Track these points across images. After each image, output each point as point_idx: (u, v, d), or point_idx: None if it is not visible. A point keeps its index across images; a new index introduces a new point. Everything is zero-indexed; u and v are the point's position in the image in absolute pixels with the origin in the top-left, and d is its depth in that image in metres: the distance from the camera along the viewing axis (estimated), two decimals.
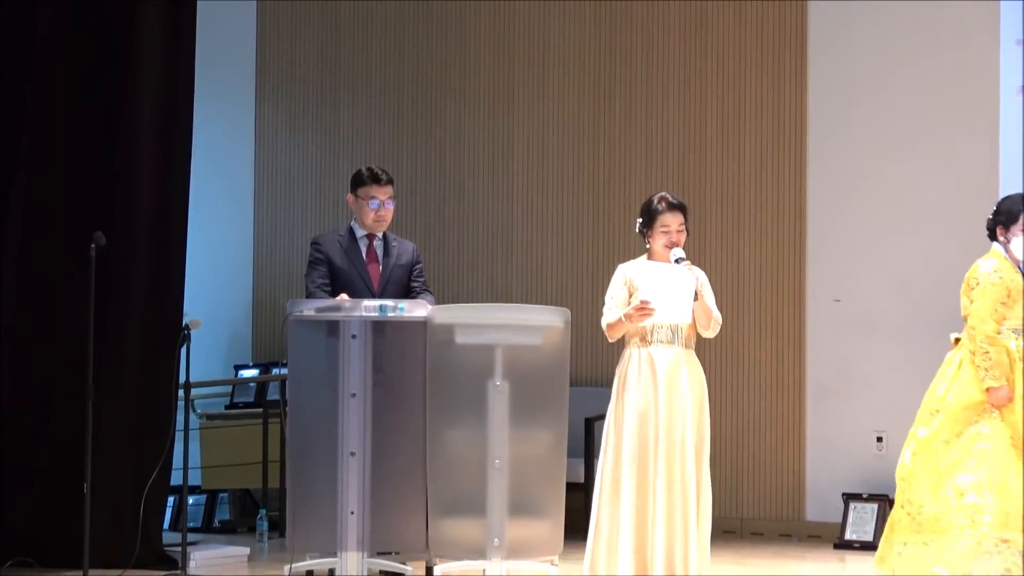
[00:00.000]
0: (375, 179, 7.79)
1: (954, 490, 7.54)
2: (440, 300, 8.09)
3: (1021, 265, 7.73)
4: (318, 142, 11.61)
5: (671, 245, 7.34)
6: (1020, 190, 9.11)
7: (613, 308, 7.40)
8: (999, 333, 7.54)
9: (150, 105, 8.51)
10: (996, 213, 7.70)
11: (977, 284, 7.58)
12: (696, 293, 7.23)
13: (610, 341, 7.53)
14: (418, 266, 7.93)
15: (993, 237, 7.70)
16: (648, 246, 7.44)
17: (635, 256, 7.70)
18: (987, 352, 7.47)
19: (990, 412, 7.50)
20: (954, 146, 9.70)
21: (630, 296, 7.38)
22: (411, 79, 11.32)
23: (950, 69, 9.76)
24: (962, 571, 7.52)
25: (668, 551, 7.15)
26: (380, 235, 7.86)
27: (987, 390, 7.45)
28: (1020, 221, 7.58)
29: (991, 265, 7.60)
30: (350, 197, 7.87)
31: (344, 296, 7.49)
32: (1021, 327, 7.57)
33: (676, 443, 7.22)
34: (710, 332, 7.39)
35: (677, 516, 7.18)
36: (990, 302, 7.53)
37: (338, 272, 7.75)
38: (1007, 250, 7.63)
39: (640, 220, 7.46)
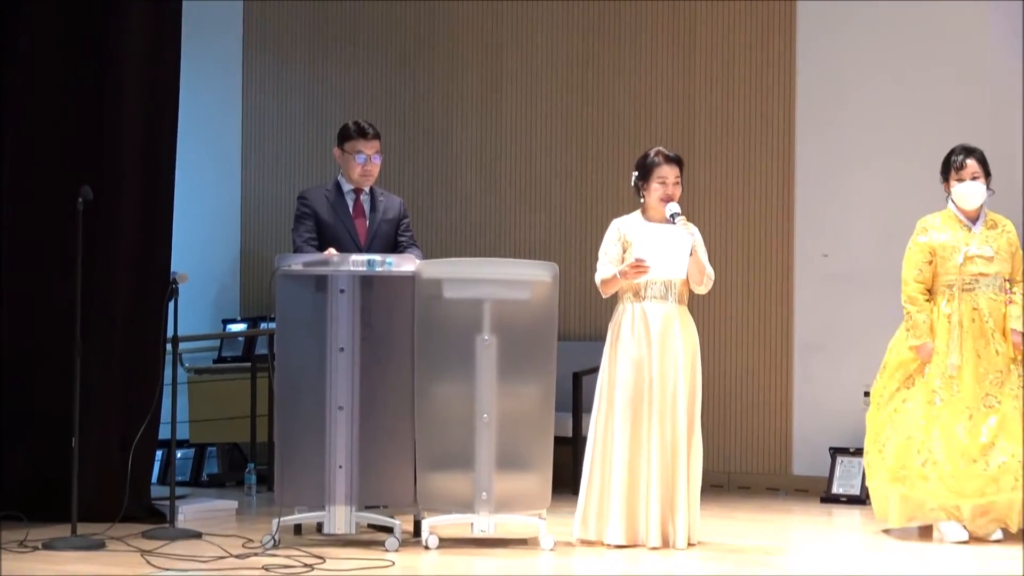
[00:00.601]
0: (362, 133, 7.76)
1: (881, 443, 7.72)
2: (428, 255, 8.09)
3: (981, 214, 7.80)
4: (305, 95, 11.56)
5: (667, 198, 7.36)
6: (1017, 138, 9.17)
7: (607, 264, 7.41)
8: (931, 291, 7.74)
9: (137, 59, 8.47)
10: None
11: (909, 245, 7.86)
12: (692, 249, 7.26)
13: (604, 297, 7.54)
14: (405, 220, 7.91)
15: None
16: (643, 200, 7.45)
17: (624, 210, 7.70)
18: (908, 312, 7.74)
19: (921, 369, 7.70)
20: (945, 100, 9.68)
21: (624, 252, 7.40)
22: (398, 31, 11.28)
23: (940, 18, 9.73)
24: (881, 519, 7.82)
25: (661, 511, 7.18)
26: (367, 189, 7.84)
27: (912, 348, 7.71)
28: (951, 170, 7.77)
29: (921, 225, 7.82)
30: (336, 151, 7.85)
31: (332, 251, 7.47)
32: (956, 282, 7.70)
33: (668, 397, 7.25)
34: (702, 288, 7.41)
35: (668, 473, 7.21)
36: (912, 264, 7.77)
37: (325, 226, 7.73)
38: (955, 205, 7.80)
39: (636, 174, 7.47)
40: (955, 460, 7.46)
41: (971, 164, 7.72)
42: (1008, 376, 7.59)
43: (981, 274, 7.67)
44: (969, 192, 7.71)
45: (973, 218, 7.76)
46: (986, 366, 7.59)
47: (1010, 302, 7.67)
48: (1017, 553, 5.89)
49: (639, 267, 7.23)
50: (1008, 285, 7.70)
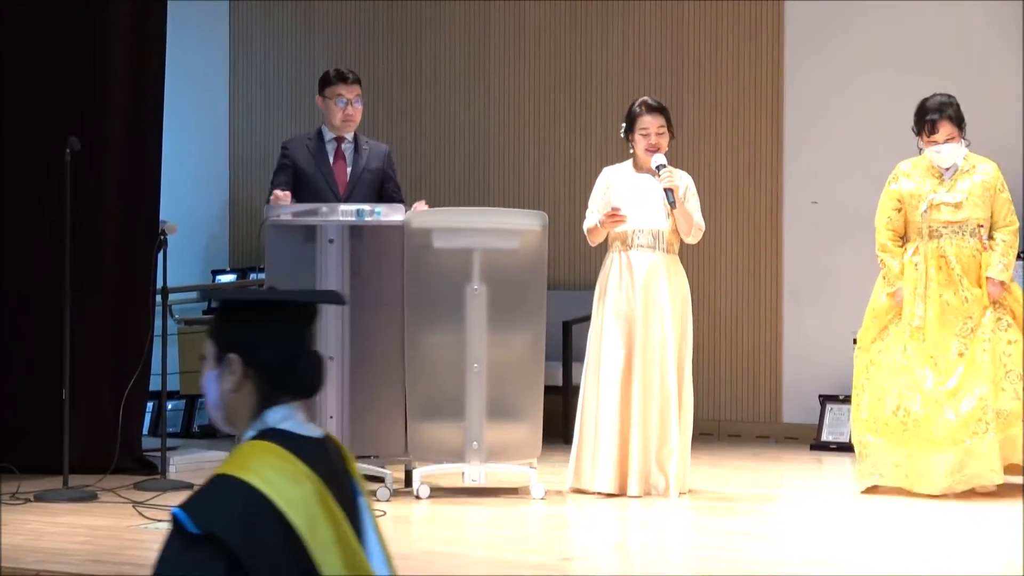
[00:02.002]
0: (341, 78, 7.78)
1: (859, 397, 7.59)
2: None
3: (957, 162, 7.47)
4: (293, 42, 11.51)
5: (652, 148, 7.37)
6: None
7: (594, 212, 7.43)
8: (905, 237, 7.50)
9: (124, 9, 8.42)
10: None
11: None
12: (675, 200, 7.25)
13: (591, 245, 7.55)
14: (391, 171, 7.90)
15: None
16: (632, 151, 7.45)
17: (614, 159, 7.70)
18: (881, 260, 7.56)
19: (895, 320, 7.52)
20: (936, 43, 9.65)
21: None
22: None
23: None
24: (855, 474, 7.64)
25: (643, 462, 7.21)
26: (350, 137, 7.83)
27: (889, 296, 7.54)
28: (923, 131, 7.42)
29: (894, 172, 7.60)
30: (319, 99, 7.86)
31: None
32: (924, 231, 7.42)
33: (655, 347, 7.27)
34: (692, 238, 7.42)
35: (656, 423, 7.23)
36: (883, 211, 7.57)
37: (303, 175, 7.74)
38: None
39: (624, 125, 7.47)
40: (926, 405, 7.25)
41: (944, 127, 7.36)
42: (980, 323, 7.34)
43: (948, 222, 7.38)
44: (945, 155, 7.40)
45: (947, 166, 7.49)
46: (954, 313, 7.34)
47: (986, 248, 7.42)
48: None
49: (615, 216, 7.26)
50: (982, 231, 7.41)
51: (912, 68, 9.70)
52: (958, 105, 7.45)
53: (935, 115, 7.39)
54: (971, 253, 7.41)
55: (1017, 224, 7.48)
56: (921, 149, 7.52)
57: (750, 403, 10.14)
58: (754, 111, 10.17)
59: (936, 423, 7.26)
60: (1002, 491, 7.42)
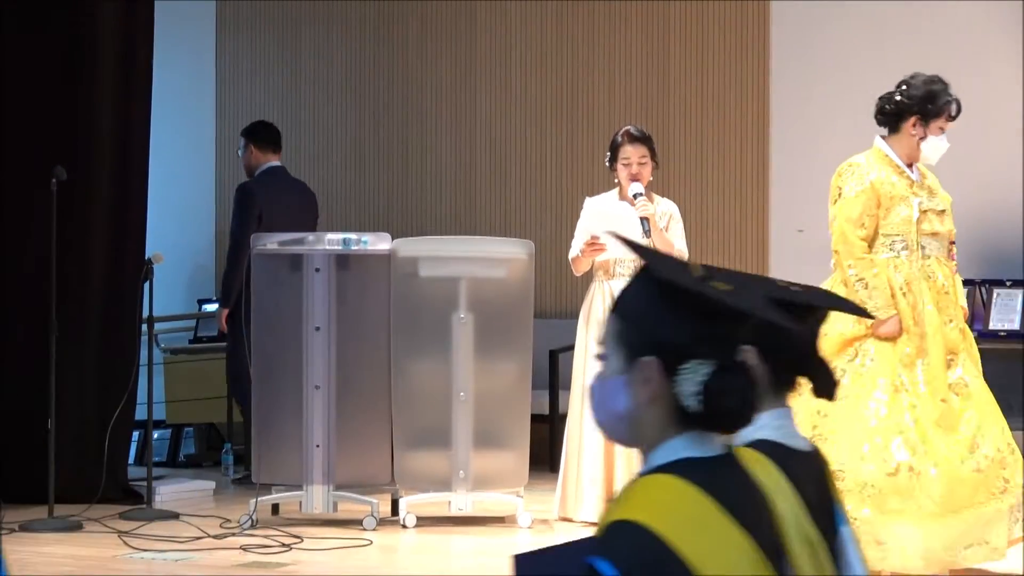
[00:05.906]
0: None
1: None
2: (403, 233, 8.11)
3: (917, 167, 6.24)
4: (280, 72, 11.52)
5: (633, 178, 7.38)
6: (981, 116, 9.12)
7: (579, 242, 7.44)
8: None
9: (111, 38, 8.44)
10: (908, 97, 6.17)
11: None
12: (650, 229, 7.25)
13: (576, 275, 7.56)
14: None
15: (887, 123, 6.25)
16: (617, 181, 7.48)
17: (600, 187, 7.72)
18: (859, 276, 6.18)
19: (857, 353, 6.08)
20: (923, 69, 9.68)
21: None
22: (374, 8, 11.24)
23: None
24: None
25: None
26: None
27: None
28: (943, 115, 6.10)
29: (850, 168, 6.37)
30: None
31: None
32: (915, 245, 6.12)
33: None
34: None
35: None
36: (851, 208, 6.31)
37: None
38: (890, 146, 6.25)
39: (608, 155, 7.50)
40: (940, 459, 5.74)
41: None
42: (963, 351, 6.03)
43: (934, 233, 6.13)
44: (937, 147, 6.22)
45: (908, 166, 6.27)
46: (946, 346, 5.97)
47: (955, 271, 6.18)
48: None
49: (594, 245, 7.27)
50: (953, 248, 6.24)
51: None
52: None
53: (949, 97, 6.10)
54: (949, 273, 6.11)
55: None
56: (919, 138, 6.12)
57: None
58: (740, 140, 10.19)
59: (958, 480, 5.73)
60: None
